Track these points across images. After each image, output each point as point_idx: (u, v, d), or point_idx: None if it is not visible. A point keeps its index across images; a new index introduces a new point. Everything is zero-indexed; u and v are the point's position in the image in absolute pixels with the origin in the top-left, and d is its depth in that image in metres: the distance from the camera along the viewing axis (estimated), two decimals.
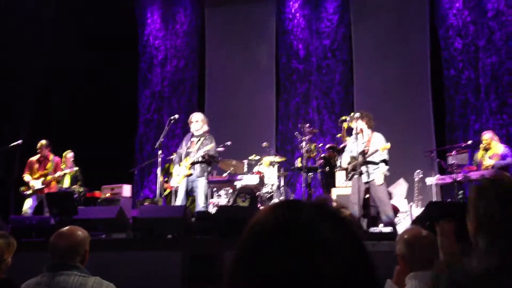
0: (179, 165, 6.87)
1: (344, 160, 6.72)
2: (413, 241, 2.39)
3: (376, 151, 6.27)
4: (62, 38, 10.27)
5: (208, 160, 6.88)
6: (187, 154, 6.84)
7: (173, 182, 6.96)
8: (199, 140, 6.87)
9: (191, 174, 6.75)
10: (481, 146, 7.21)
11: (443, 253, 2.03)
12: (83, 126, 10.02)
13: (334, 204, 0.84)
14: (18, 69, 9.87)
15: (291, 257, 0.76)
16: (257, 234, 0.81)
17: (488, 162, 7.07)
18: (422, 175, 7.76)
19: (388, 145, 6.27)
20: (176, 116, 7.26)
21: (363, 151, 6.35)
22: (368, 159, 6.33)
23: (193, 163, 6.75)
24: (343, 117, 8.07)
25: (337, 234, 0.79)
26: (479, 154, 7.31)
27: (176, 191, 6.88)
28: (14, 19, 9.98)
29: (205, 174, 6.86)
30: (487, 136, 7.22)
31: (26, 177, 8.32)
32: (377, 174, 6.31)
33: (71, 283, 2.54)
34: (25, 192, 8.27)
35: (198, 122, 6.89)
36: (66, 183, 8.85)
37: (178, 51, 11.66)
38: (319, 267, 0.75)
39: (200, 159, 6.75)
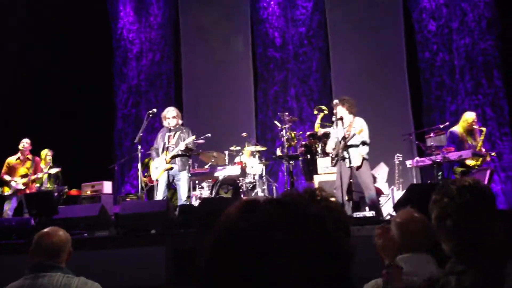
0: (157, 159, 6.86)
1: (329, 146, 6.73)
2: (405, 224, 2.42)
3: (354, 135, 6.31)
4: (34, 35, 10.05)
5: (188, 152, 6.89)
6: (166, 148, 6.83)
7: (153, 176, 6.94)
8: (176, 133, 6.87)
9: (171, 168, 6.74)
10: (467, 127, 7.19)
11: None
12: (60, 124, 9.86)
13: (319, 193, 0.81)
14: None
15: (242, 261, 0.73)
16: (219, 235, 0.79)
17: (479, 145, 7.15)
18: (402, 158, 7.84)
19: (363, 128, 6.29)
20: (154, 110, 7.19)
21: (344, 136, 6.39)
22: (349, 143, 6.35)
23: (173, 157, 6.74)
24: (319, 106, 8.08)
25: (294, 235, 0.73)
26: (461, 130, 7.29)
27: (157, 185, 6.86)
28: None
29: (187, 167, 6.87)
30: (474, 117, 7.27)
31: (6, 177, 8.15)
32: (357, 157, 6.35)
33: (55, 284, 2.49)
34: (5, 193, 8.09)
35: (174, 118, 6.90)
36: (46, 182, 8.71)
37: (153, 44, 11.52)
38: (269, 272, 0.71)
39: (180, 152, 6.75)
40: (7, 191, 8.10)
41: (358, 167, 6.34)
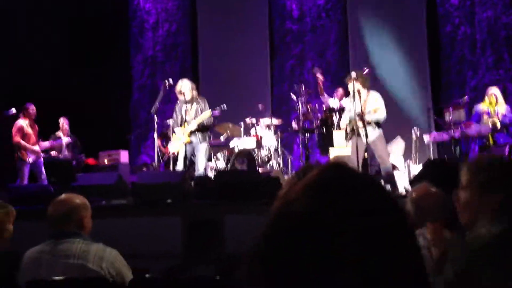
0: (177, 131, 6.84)
1: (343, 121, 6.68)
2: (421, 199, 2.42)
3: (369, 112, 6.25)
4: (49, 4, 10.03)
5: (203, 129, 6.81)
6: (184, 121, 6.79)
7: (172, 148, 6.95)
8: (192, 105, 6.81)
9: (191, 142, 6.73)
10: (492, 100, 7.09)
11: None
12: (76, 93, 9.91)
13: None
14: (3, 36, 9.68)
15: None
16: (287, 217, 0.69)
17: (496, 119, 7.03)
18: (419, 132, 7.76)
19: (379, 106, 6.24)
20: (170, 80, 7.16)
21: (361, 111, 6.32)
22: (366, 119, 6.28)
23: (192, 132, 6.72)
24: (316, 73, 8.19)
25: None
26: (484, 106, 7.20)
27: (176, 157, 6.88)
28: None
29: (207, 138, 6.86)
30: (498, 92, 7.18)
31: (23, 143, 7.92)
32: (376, 133, 6.31)
33: (74, 250, 2.55)
34: (27, 159, 8.00)
35: (187, 92, 6.76)
36: (64, 150, 8.76)
37: (170, 15, 11.43)
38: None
39: (196, 128, 6.70)
40: (28, 157, 7.97)
41: (374, 141, 6.30)
